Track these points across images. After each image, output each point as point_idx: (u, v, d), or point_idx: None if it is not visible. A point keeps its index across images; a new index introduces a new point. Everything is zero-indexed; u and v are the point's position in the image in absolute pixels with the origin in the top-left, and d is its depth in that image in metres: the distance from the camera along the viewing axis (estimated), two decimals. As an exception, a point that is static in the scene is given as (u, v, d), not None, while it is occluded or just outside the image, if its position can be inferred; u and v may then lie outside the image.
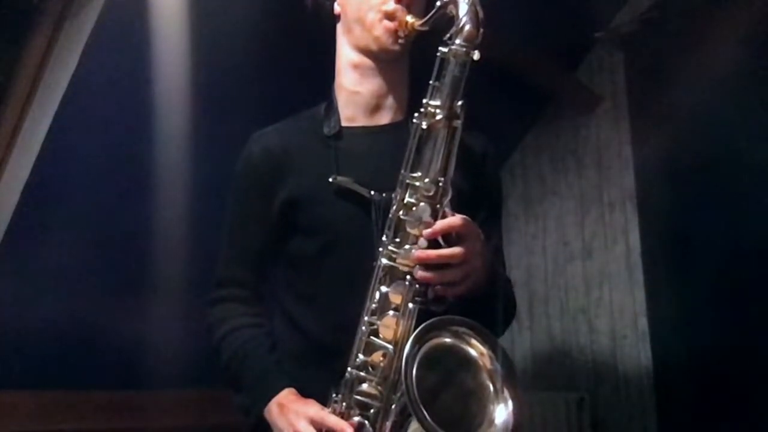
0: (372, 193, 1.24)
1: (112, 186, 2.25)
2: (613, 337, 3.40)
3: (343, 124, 1.34)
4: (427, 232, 1.12)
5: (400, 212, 1.17)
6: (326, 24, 1.39)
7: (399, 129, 1.31)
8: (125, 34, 2.07)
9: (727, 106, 3.01)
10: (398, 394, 1.11)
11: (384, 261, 1.16)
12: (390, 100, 1.34)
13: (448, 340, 1.12)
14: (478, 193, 1.33)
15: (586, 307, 3.52)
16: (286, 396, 1.21)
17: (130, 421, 2.47)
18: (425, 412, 1.02)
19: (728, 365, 2.94)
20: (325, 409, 1.17)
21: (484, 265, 1.17)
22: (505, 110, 3.18)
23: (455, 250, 1.12)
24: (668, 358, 3.23)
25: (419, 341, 1.08)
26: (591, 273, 3.53)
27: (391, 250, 1.16)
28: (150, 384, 2.45)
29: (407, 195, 1.17)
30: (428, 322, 1.10)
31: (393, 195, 1.18)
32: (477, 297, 1.17)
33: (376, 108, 1.34)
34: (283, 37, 2.27)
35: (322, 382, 1.19)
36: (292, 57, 2.32)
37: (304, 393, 1.22)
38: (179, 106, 2.19)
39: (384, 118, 1.34)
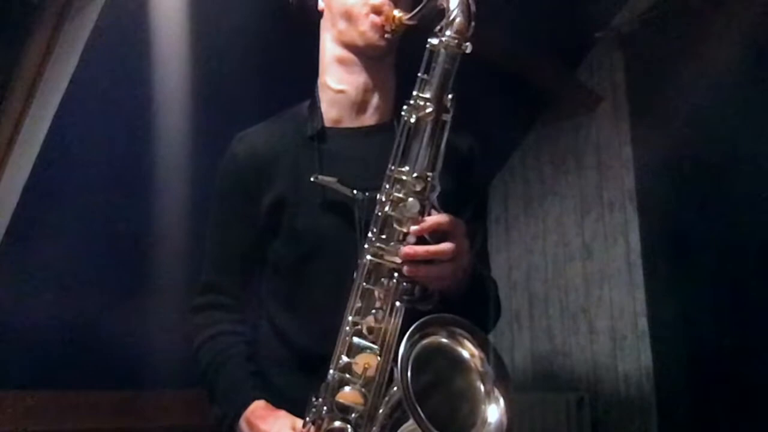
0: (355, 192, 1.20)
1: (112, 186, 2.24)
2: (613, 337, 3.40)
3: (329, 125, 1.29)
4: (415, 228, 1.08)
5: (387, 207, 1.12)
6: (311, 20, 1.35)
7: (385, 131, 1.26)
8: (125, 34, 2.07)
9: (727, 105, 3.01)
10: (386, 398, 1.06)
11: (370, 258, 1.11)
12: (376, 99, 1.29)
13: (442, 339, 1.08)
14: (464, 193, 1.28)
15: (586, 307, 3.52)
16: (254, 411, 1.18)
17: (130, 421, 2.47)
18: (421, 412, 0.98)
19: (728, 365, 2.94)
20: (298, 420, 1.13)
21: (469, 264, 1.15)
22: (505, 110, 3.18)
23: (444, 246, 1.08)
24: (668, 358, 3.23)
25: (414, 339, 1.04)
26: (591, 273, 3.53)
27: (378, 247, 1.11)
28: (150, 384, 2.45)
29: (394, 190, 1.12)
30: (423, 319, 1.06)
31: (378, 195, 1.13)
32: (459, 296, 1.14)
33: (362, 107, 1.29)
34: (283, 37, 2.27)
35: (306, 388, 1.13)
36: (291, 57, 2.31)
37: (288, 400, 1.18)
38: (179, 106, 2.19)
39: (370, 119, 1.29)
